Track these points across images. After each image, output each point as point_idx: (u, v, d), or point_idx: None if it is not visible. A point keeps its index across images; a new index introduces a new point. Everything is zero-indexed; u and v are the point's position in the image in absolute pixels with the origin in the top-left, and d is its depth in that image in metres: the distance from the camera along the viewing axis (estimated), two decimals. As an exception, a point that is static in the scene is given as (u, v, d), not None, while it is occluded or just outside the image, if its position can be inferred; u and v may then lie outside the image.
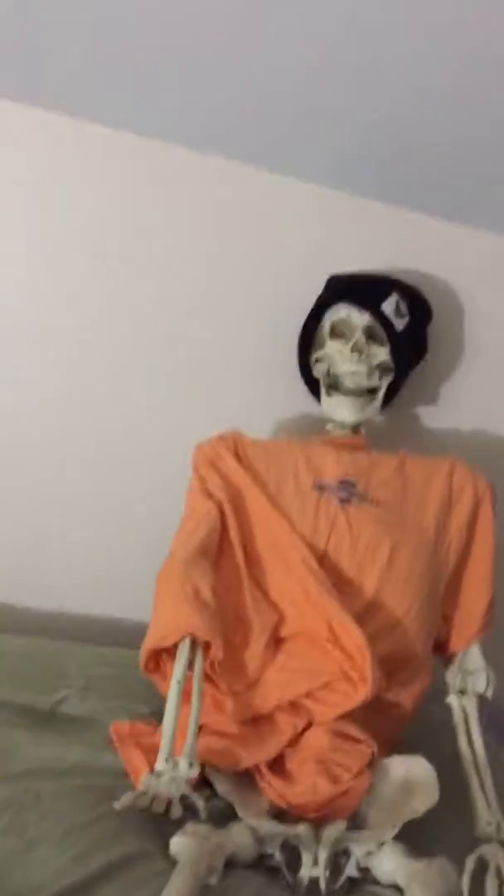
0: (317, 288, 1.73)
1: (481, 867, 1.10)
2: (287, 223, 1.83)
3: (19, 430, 1.83)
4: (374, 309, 1.60)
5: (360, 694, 1.24)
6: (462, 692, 1.45)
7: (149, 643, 1.23)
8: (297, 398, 1.79)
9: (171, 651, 1.24)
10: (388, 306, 1.60)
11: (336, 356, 1.61)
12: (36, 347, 1.81)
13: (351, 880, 1.11)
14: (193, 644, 1.21)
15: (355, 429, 1.63)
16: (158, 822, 1.11)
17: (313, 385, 1.72)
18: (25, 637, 1.68)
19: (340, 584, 1.36)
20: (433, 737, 1.40)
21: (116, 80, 1.59)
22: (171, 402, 1.85)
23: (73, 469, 1.85)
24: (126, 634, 1.59)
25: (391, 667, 1.33)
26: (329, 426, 1.66)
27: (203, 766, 1.18)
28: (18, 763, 1.22)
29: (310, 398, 1.76)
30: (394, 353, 1.61)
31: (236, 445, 1.56)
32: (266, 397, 1.85)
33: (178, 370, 1.85)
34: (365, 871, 1.11)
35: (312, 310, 1.69)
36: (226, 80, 1.53)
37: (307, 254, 1.83)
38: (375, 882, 1.10)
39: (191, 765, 1.09)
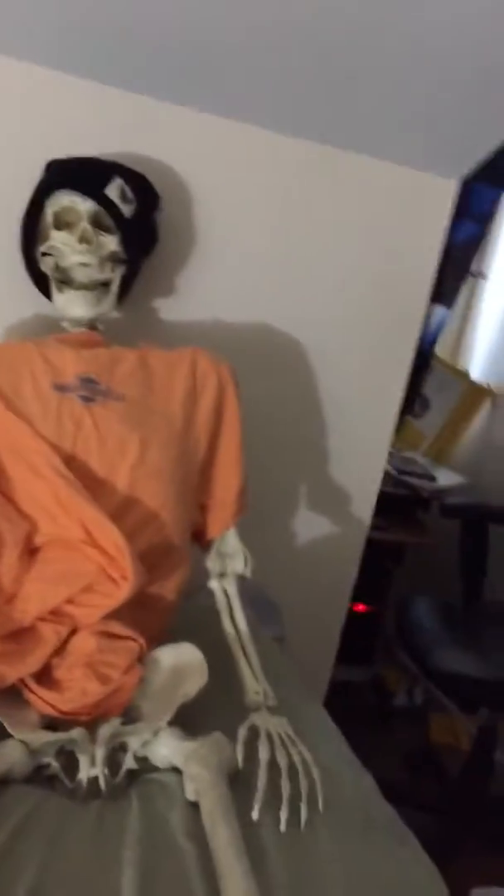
0: (36, 176, 1.58)
1: (255, 735, 1.15)
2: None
3: None
4: (98, 194, 1.49)
5: (123, 591, 1.22)
6: (222, 575, 1.49)
7: None
8: (24, 296, 1.67)
9: None
10: (113, 191, 1.50)
11: (63, 248, 1.49)
12: None
13: (130, 773, 1.11)
14: None
15: (91, 325, 1.55)
16: None
17: (41, 281, 1.61)
18: None
19: (92, 485, 1.30)
20: (200, 624, 1.43)
21: None
22: None
23: None
24: None
25: (151, 560, 1.32)
26: (64, 324, 1.56)
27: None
28: None
29: (39, 296, 1.64)
30: (124, 241, 1.53)
31: (-36, 350, 1.41)
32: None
33: None
34: (143, 760, 1.13)
35: (32, 199, 1.54)
36: None
37: (25, 139, 1.67)
38: (155, 769, 1.12)
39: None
